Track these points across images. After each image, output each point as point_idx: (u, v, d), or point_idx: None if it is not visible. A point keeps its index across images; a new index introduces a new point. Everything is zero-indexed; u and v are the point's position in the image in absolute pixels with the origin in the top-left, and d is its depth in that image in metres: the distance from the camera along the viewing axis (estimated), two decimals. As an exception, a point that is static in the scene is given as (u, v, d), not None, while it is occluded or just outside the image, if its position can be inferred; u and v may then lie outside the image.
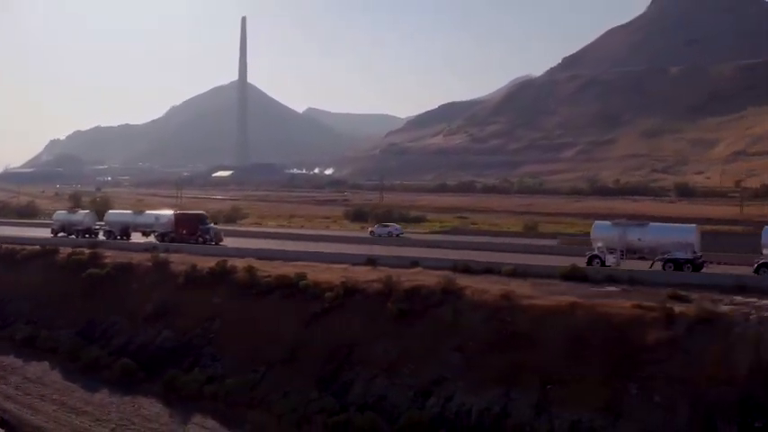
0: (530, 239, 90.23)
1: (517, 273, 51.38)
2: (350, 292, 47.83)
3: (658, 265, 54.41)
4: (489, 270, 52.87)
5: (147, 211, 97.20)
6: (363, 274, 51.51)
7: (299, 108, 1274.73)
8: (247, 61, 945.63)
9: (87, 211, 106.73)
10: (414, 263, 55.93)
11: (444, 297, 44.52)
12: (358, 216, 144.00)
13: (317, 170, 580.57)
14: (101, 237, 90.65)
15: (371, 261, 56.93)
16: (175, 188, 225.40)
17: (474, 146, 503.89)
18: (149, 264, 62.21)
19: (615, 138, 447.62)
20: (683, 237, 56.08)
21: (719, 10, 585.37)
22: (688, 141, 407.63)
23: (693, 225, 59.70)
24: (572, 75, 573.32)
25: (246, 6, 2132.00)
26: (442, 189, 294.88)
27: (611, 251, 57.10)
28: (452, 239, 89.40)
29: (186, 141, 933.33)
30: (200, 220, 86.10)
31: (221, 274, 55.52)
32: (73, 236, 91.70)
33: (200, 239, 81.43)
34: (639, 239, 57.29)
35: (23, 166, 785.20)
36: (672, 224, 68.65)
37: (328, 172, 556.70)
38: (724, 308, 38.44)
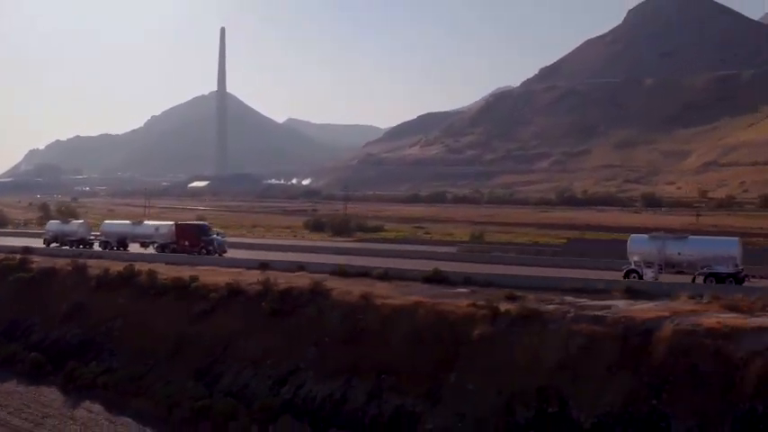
0: (437, 247, 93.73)
1: (387, 276, 54.66)
2: (234, 293, 51.58)
3: (700, 280, 53.02)
4: (364, 273, 55.79)
5: (146, 222, 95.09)
6: (251, 277, 54.91)
7: (280, 118, 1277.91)
8: (229, 72, 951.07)
9: (81, 221, 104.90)
10: (300, 267, 60.25)
11: (312, 297, 48.48)
12: (317, 226, 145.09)
13: (294, 180, 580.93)
14: (96, 247, 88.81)
15: (263, 265, 60.80)
16: (154, 197, 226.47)
17: (450, 156, 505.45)
18: (70, 268, 65.12)
19: (590, 148, 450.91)
20: (725, 250, 55.00)
21: (694, 22, 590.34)
22: (661, 152, 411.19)
23: (736, 238, 58.76)
24: (549, 86, 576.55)
25: (228, 17, 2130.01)
26: (414, 199, 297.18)
27: (649, 265, 55.92)
28: (371, 247, 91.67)
29: (166, 151, 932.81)
30: (202, 230, 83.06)
31: (128, 277, 59.13)
32: (66, 246, 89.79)
33: (204, 251, 78.29)
34: (679, 253, 56.09)
35: (2, 175, 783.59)
36: (713, 237, 69.36)
37: (306, 182, 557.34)
38: (549, 307, 41.41)
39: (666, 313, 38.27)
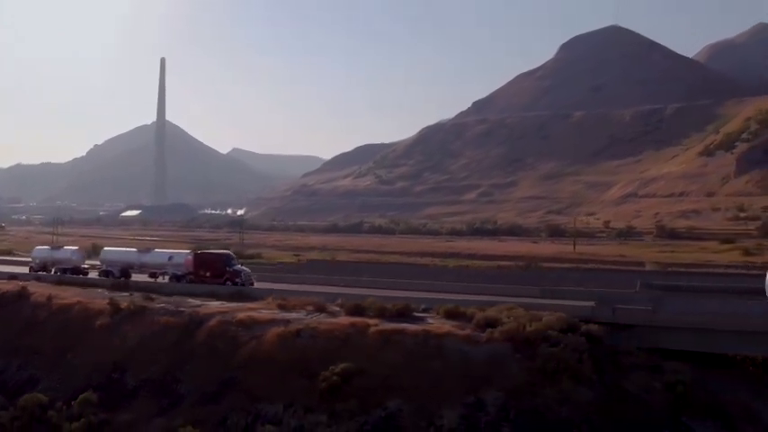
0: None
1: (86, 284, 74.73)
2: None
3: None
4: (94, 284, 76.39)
5: (156, 250, 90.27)
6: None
7: (225, 149, 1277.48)
8: (175, 102, 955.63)
9: (75, 247, 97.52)
10: (13, 277, 79.01)
11: (18, 299, 65.79)
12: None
13: (229, 210, 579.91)
14: (91, 276, 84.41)
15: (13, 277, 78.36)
16: (84, 226, 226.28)
17: (381, 187, 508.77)
18: None
19: (517, 180, 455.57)
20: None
21: (624, 57, 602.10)
22: (585, 184, 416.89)
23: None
24: (480, 119, 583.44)
25: (175, 47, 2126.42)
26: (333, 230, 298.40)
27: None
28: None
29: (108, 180, 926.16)
30: (227, 260, 76.41)
31: None
32: (58, 274, 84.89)
33: (229, 282, 72.13)
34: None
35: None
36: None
37: (240, 212, 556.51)
38: (156, 305, 58.00)
39: (225, 309, 54.53)
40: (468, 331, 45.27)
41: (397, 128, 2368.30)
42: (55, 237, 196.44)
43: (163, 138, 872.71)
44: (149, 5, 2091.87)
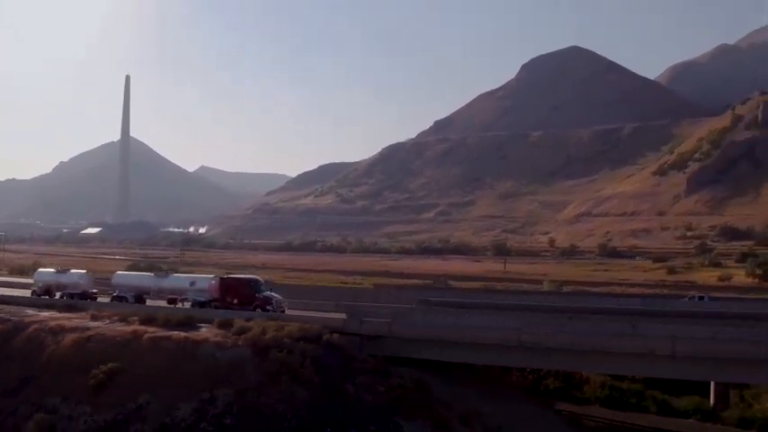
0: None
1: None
2: None
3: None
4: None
5: (176, 275, 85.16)
6: None
7: (192, 167, 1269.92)
8: (142, 120, 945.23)
9: (83, 271, 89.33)
10: None
11: None
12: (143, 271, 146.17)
13: (192, 228, 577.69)
14: (101, 301, 76.96)
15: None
16: (46, 243, 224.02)
17: (341, 206, 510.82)
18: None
19: (474, 199, 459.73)
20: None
21: (584, 78, 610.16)
22: (541, 203, 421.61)
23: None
24: (441, 138, 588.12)
25: (142, 65, 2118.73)
26: (287, 248, 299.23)
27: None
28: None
29: (73, 197, 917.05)
30: (255, 286, 71.40)
31: None
32: (64, 299, 77.77)
33: (259, 310, 66.32)
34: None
35: None
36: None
37: (202, 230, 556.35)
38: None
39: (46, 319, 60.09)
40: (220, 338, 51.61)
41: (361, 146, 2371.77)
42: (2, 254, 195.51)
43: (127, 155, 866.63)
44: (118, 23, 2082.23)
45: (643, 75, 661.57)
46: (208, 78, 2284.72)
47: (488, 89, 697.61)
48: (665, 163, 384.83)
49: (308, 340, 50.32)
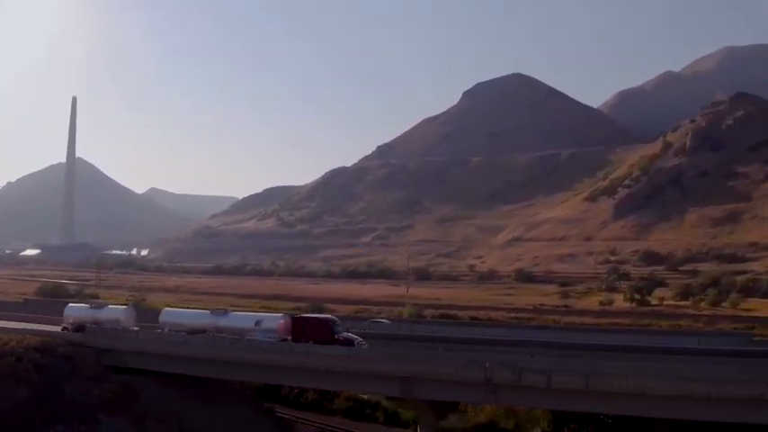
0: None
1: None
2: None
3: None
4: None
5: (235, 313, 74.83)
6: None
7: (141, 188, 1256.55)
8: (90, 141, 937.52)
9: (125, 306, 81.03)
10: None
11: None
12: (48, 293, 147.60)
13: (134, 251, 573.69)
14: None
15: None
16: None
17: (282, 230, 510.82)
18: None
19: (412, 224, 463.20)
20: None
21: (525, 104, 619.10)
22: (477, 228, 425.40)
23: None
24: (382, 163, 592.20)
25: (90, 85, 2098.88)
26: (217, 271, 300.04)
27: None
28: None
29: (19, 218, 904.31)
30: (332, 326, 63.84)
31: None
32: None
33: None
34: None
35: None
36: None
37: (144, 253, 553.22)
38: None
39: None
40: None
41: (307, 170, 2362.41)
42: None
43: (72, 176, 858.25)
44: (66, 45, 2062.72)
45: (590, 102, 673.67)
46: (160, 100, 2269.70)
47: (431, 115, 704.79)
48: (597, 189, 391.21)
49: (41, 351, 60.86)
